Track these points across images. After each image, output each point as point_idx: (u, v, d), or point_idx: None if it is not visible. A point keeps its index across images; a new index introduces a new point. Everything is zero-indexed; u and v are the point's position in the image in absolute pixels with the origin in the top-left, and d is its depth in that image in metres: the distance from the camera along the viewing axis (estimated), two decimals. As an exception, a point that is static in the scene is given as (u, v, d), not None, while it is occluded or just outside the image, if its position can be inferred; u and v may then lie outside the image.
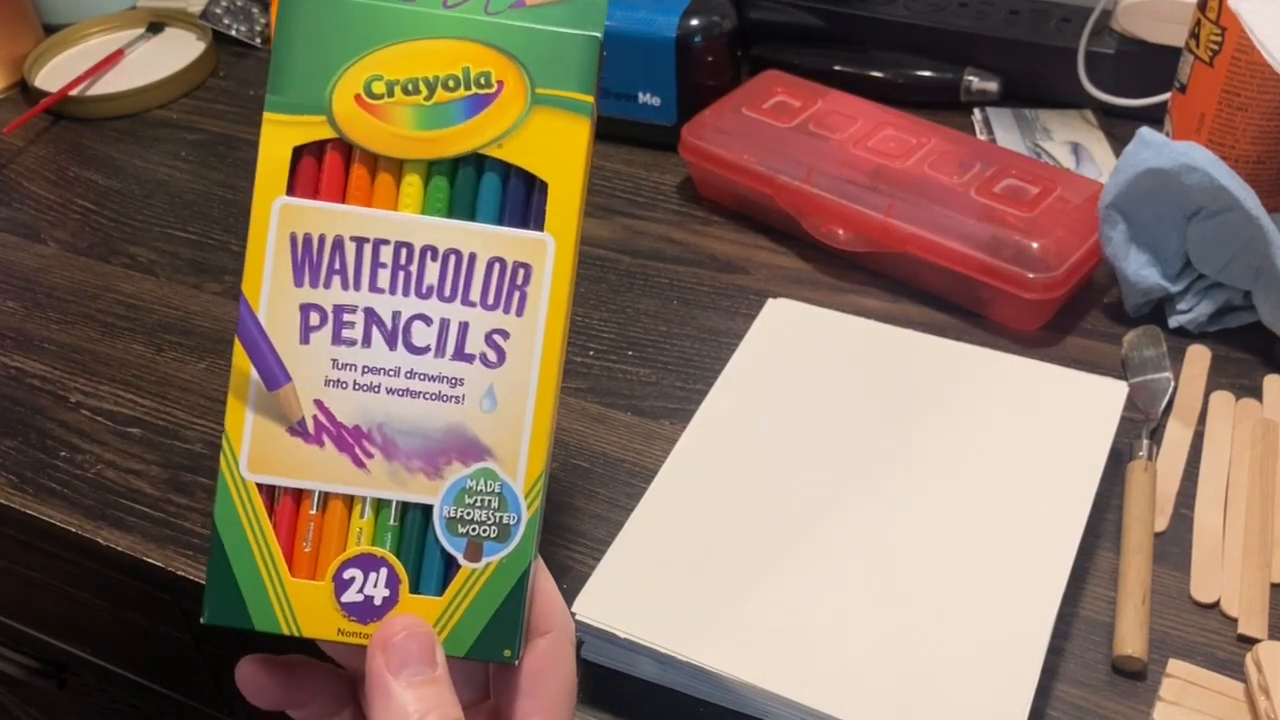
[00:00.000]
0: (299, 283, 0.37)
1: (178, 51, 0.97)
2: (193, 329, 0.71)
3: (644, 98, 0.81)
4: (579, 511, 0.58)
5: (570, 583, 0.54)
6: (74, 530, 0.60)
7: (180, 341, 0.70)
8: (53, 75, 0.96)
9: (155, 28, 1.01)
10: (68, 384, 0.68)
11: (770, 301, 0.65)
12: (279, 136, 0.37)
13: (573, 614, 0.48)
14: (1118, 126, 0.80)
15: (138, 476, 0.62)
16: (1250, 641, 0.51)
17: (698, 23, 0.78)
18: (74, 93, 0.91)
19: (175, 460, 0.63)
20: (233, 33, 0.99)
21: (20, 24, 0.97)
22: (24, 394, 0.67)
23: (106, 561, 0.59)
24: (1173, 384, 0.62)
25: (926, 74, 0.84)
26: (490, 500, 0.37)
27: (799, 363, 0.61)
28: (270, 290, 0.37)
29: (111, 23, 1.01)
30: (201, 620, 0.37)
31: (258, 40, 0.99)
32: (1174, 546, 0.55)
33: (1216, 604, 0.53)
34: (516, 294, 0.37)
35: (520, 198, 0.38)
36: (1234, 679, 0.49)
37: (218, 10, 0.99)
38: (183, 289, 0.75)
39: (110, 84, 0.93)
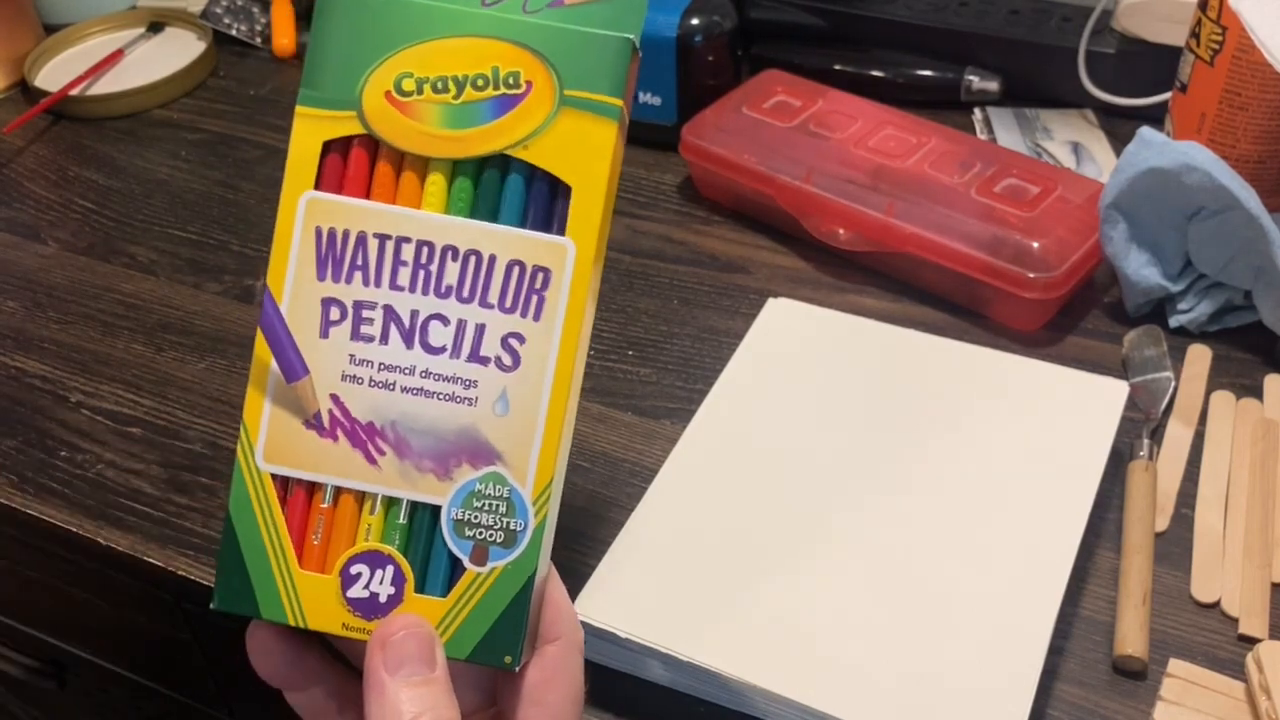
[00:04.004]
0: (321, 276, 0.37)
1: (178, 51, 0.97)
2: (193, 329, 0.71)
3: (644, 97, 0.81)
4: (579, 511, 0.58)
5: (571, 582, 0.53)
6: (74, 530, 0.59)
7: (180, 341, 0.70)
8: (53, 75, 0.95)
9: (155, 27, 1.01)
10: (68, 384, 0.68)
11: (770, 301, 0.65)
12: (310, 130, 0.37)
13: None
14: (1118, 126, 0.80)
15: (138, 476, 0.62)
16: (1251, 641, 0.51)
17: (698, 22, 0.78)
18: (74, 93, 0.91)
19: (175, 460, 0.63)
20: (233, 32, 0.99)
21: (20, 24, 0.97)
22: (24, 394, 0.67)
23: (106, 561, 0.59)
24: (1173, 384, 0.62)
25: (927, 73, 0.84)
26: (498, 505, 0.37)
27: (799, 362, 0.61)
28: (293, 283, 0.37)
29: (111, 23, 1.01)
30: (210, 606, 0.37)
31: (258, 40, 0.99)
32: (1174, 546, 0.55)
33: (1217, 604, 0.53)
34: (534, 298, 0.37)
35: (544, 201, 0.37)
36: (1235, 679, 0.49)
37: (218, 10, 0.99)
38: (183, 289, 0.75)
39: (110, 84, 0.93)
